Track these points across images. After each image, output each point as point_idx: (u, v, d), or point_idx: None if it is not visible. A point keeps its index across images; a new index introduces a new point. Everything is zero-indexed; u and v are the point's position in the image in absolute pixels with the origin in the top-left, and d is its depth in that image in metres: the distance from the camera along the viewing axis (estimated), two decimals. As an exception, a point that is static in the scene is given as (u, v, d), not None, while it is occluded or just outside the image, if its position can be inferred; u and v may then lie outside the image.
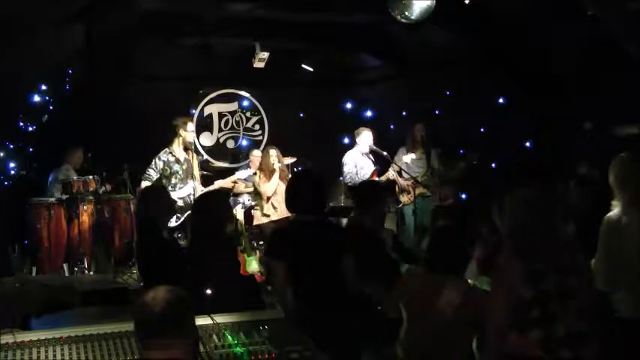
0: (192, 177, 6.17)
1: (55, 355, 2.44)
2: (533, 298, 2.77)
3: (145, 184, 6.23)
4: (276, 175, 6.98)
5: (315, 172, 4.28)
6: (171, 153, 6.31)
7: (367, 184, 5.45)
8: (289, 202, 3.76)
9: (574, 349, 2.76)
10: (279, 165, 7.06)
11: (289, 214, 6.86)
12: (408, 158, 7.45)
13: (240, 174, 7.21)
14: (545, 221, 2.92)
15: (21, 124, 7.50)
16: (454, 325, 3.18)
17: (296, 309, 3.34)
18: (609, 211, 3.46)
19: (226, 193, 4.65)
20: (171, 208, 5.05)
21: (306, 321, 3.10)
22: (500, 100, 7.99)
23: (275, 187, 6.95)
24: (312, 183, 3.69)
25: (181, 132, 6.32)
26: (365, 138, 7.25)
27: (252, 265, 5.26)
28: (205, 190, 6.32)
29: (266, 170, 7.16)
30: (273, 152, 7.13)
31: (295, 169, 7.74)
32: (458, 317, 3.16)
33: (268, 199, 6.98)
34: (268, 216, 6.95)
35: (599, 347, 2.84)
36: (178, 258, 4.08)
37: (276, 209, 6.93)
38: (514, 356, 2.83)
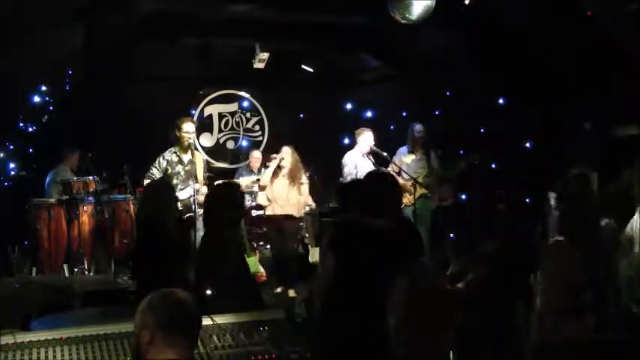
0: (195, 179, 6.14)
1: (55, 356, 2.44)
2: (586, 283, 2.80)
3: (147, 182, 6.21)
4: (271, 169, 6.87)
5: (389, 174, 4.06)
6: (175, 153, 6.27)
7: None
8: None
9: (618, 333, 2.81)
10: (285, 163, 6.86)
11: (283, 212, 6.94)
12: (408, 159, 7.42)
13: (243, 180, 7.17)
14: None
15: (21, 124, 7.51)
16: None
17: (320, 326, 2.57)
18: None
19: (237, 186, 4.48)
20: (174, 206, 4.96)
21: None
22: (500, 100, 7.98)
23: (268, 178, 6.86)
24: (380, 184, 3.51)
25: (176, 133, 6.28)
26: (365, 138, 7.22)
27: (252, 266, 5.24)
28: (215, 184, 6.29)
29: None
30: (286, 149, 6.98)
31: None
32: None
33: (262, 188, 6.91)
34: (262, 207, 6.91)
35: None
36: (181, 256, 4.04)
37: (270, 202, 6.85)
38: (559, 343, 2.82)
